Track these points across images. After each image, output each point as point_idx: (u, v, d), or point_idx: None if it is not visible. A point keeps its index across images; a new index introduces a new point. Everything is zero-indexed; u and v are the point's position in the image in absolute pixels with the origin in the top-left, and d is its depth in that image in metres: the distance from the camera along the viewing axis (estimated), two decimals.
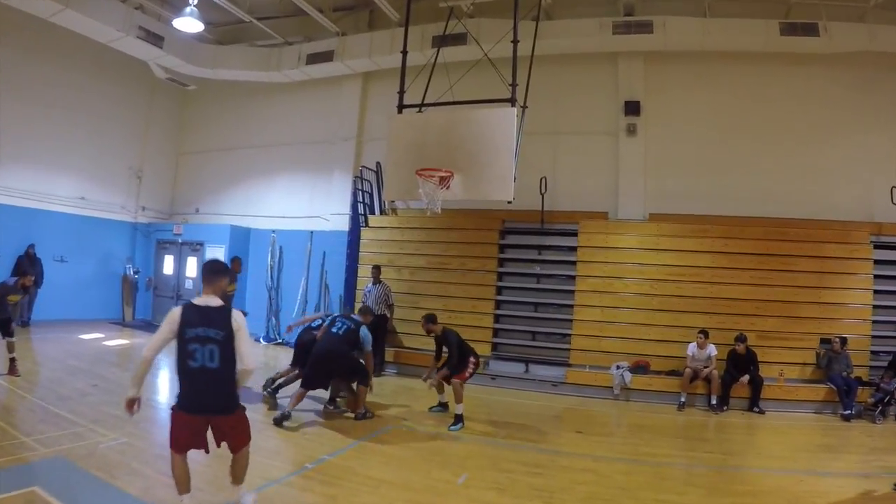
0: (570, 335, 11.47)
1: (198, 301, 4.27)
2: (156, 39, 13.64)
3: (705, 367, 9.97)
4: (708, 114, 12.51)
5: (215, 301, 4.27)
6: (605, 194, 12.71)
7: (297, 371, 8.33)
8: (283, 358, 11.75)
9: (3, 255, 13.34)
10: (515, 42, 8.56)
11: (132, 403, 4.22)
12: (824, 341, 10.21)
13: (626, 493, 5.64)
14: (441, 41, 10.14)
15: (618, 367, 10.57)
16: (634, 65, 12.86)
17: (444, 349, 8.25)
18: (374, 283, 11.85)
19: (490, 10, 12.36)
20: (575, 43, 12.49)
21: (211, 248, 15.30)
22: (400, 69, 9.43)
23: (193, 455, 4.26)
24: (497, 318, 12.13)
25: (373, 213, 14.08)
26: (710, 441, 8.29)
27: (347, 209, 14.29)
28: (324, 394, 8.34)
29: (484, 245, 12.41)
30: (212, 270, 4.48)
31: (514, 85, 8.34)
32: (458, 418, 7.80)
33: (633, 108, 12.66)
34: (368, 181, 14.19)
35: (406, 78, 9.27)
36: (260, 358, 12.23)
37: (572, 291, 11.66)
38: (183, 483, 4.18)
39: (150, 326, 15.08)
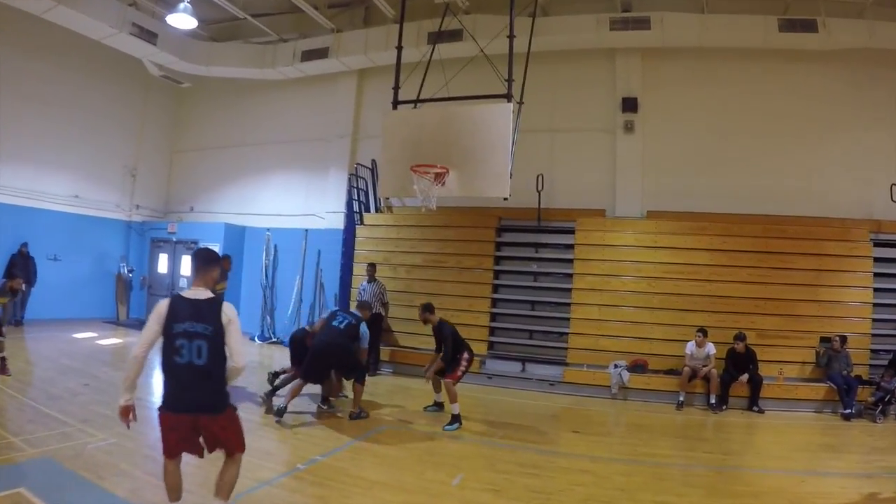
0: (567, 334, 11.40)
1: (187, 293, 4.00)
2: (149, 36, 13.54)
3: (704, 366, 9.91)
4: (706, 111, 12.44)
5: (205, 293, 4.00)
6: (602, 192, 12.63)
7: (297, 371, 8.24)
8: (278, 357, 11.68)
9: None
10: (511, 37, 8.46)
11: (127, 411, 3.88)
12: (824, 340, 10.15)
13: (624, 494, 5.55)
14: (437, 37, 10.02)
15: (616, 366, 10.48)
16: (632, 61, 12.77)
17: None
18: (369, 282, 11.76)
19: (486, 7, 12.27)
20: (572, 39, 12.39)
21: (206, 247, 15.12)
22: (395, 66, 9.35)
23: (185, 456, 4.06)
24: (494, 317, 12.05)
25: (368, 210, 14.00)
26: (710, 441, 8.21)
27: (343, 207, 14.23)
28: (318, 393, 8.25)
29: (480, 243, 12.33)
30: (203, 260, 4.17)
31: (510, 80, 8.23)
32: (455, 418, 7.70)
33: (630, 104, 12.57)
34: (364, 179, 14.10)
35: (401, 74, 9.18)
36: (253, 357, 12.16)
37: (569, 290, 11.58)
38: (174, 490, 3.99)
39: (144, 325, 14.94)
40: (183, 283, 15.66)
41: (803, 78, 12.09)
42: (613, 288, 11.33)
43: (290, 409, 7.45)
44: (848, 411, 9.28)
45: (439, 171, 8.08)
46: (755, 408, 9.62)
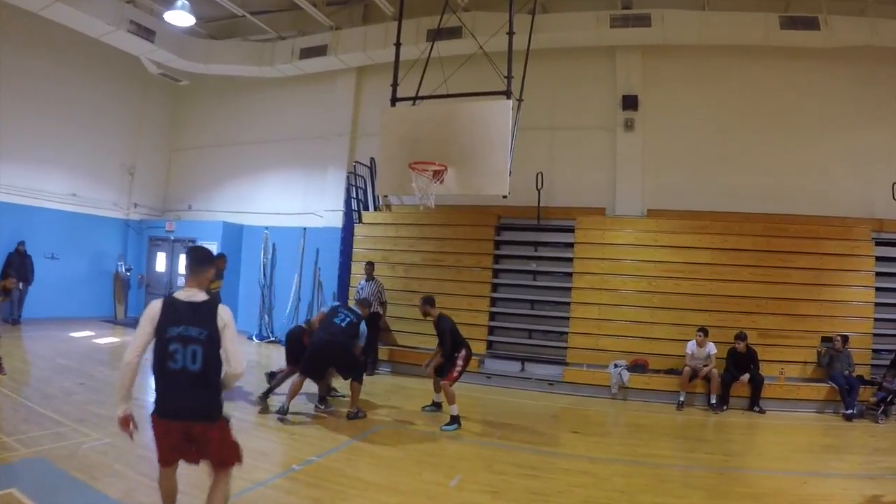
0: (566, 333, 11.33)
1: (180, 295, 3.77)
2: (147, 34, 13.47)
3: (705, 366, 9.84)
4: (707, 109, 12.36)
5: (199, 295, 3.78)
6: (602, 190, 12.55)
7: (292, 369, 8.17)
8: (276, 356, 11.61)
9: None
10: (511, 34, 8.38)
11: (127, 421, 3.67)
12: (825, 339, 10.08)
13: (624, 496, 5.49)
14: (436, 34, 9.96)
15: (615, 366, 10.42)
16: (632, 59, 12.69)
17: None
18: (367, 280, 11.69)
19: (485, 4, 12.24)
20: (571, 36, 12.31)
21: (204, 245, 15.05)
22: (394, 63, 9.29)
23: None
24: (493, 316, 11.99)
25: (367, 209, 13.92)
26: (710, 441, 8.15)
27: (341, 206, 14.18)
28: (315, 393, 8.19)
29: (479, 241, 12.26)
30: (197, 260, 3.94)
31: (509, 77, 8.16)
32: (453, 419, 7.64)
33: (630, 102, 12.50)
34: (362, 177, 14.03)
35: (400, 71, 9.11)
36: (251, 356, 12.12)
37: (569, 289, 11.52)
38: (169, 497, 3.88)
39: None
40: (180, 281, 15.56)
41: (804, 76, 12.02)
42: (613, 287, 11.26)
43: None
44: (850, 412, 9.21)
45: (438, 168, 8.02)
46: (756, 408, 9.56)
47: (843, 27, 11.16)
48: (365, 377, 8.27)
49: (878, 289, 10.48)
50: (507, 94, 8.10)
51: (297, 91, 15.74)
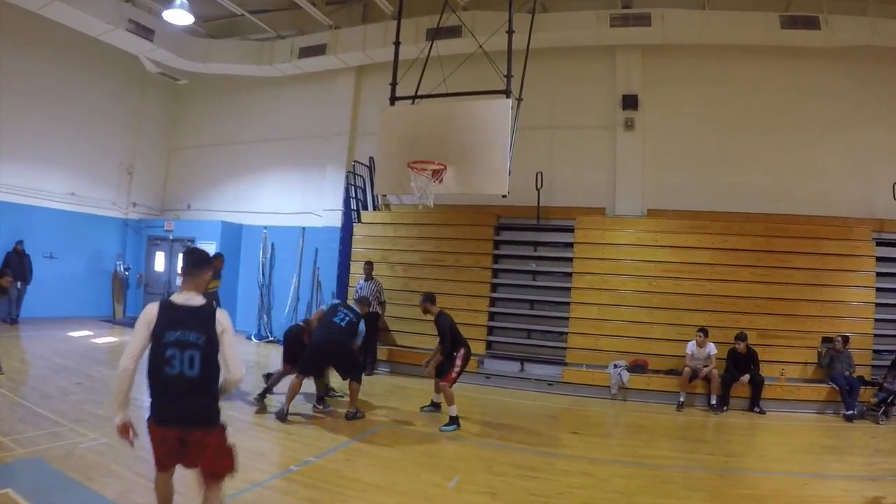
0: (566, 333, 11.28)
1: (176, 299, 3.69)
2: (146, 32, 13.45)
3: (705, 366, 9.80)
4: (707, 108, 12.33)
5: (197, 299, 3.69)
6: (602, 190, 12.52)
7: (288, 369, 8.13)
8: (275, 356, 11.56)
9: None
10: (510, 32, 8.34)
11: (126, 429, 3.58)
12: (826, 340, 10.04)
13: (624, 497, 5.45)
14: (435, 34, 9.94)
15: (615, 366, 10.38)
16: (632, 58, 12.67)
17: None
18: (366, 280, 11.65)
19: (485, 3, 12.21)
20: (571, 36, 12.28)
21: (202, 245, 15.04)
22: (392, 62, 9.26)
23: None
24: (492, 316, 11.94)
25: (366, 208, 13.90)
26: (711, 442, 8.11)
27: (340, 205, 14.15)
28: (313, 393, 8.15)
29: (479, 241, 12.22)
30: (193, 262, 3.83)
31: (508, 76, 8.12)
32: (452, 419, 7.60)
33: (630, 102, 12.47)
34: (361, 176, 14.00)
35: (399, 71, 9.08)
36: (250, 356, 12.10)
37: (569, 289, 11.47)
38: (165, 500, 3.83)
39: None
40: (179, 281, 15.56)
41: (805, 75, 12.00)
42: (613, 287, 11.22)
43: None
44: (850, 412, 9.17)
45: (437, 167, 7.98)
46: (756, 409, 9.52)
47: (844, 27, 11.14)
48: (364, 377, 8.23)
49: (878, 289, 10.45)
50: (507, 92, 8.06)
51: (296, 90, 15.71)
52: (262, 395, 7.86)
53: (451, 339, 7.85)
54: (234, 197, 16.47)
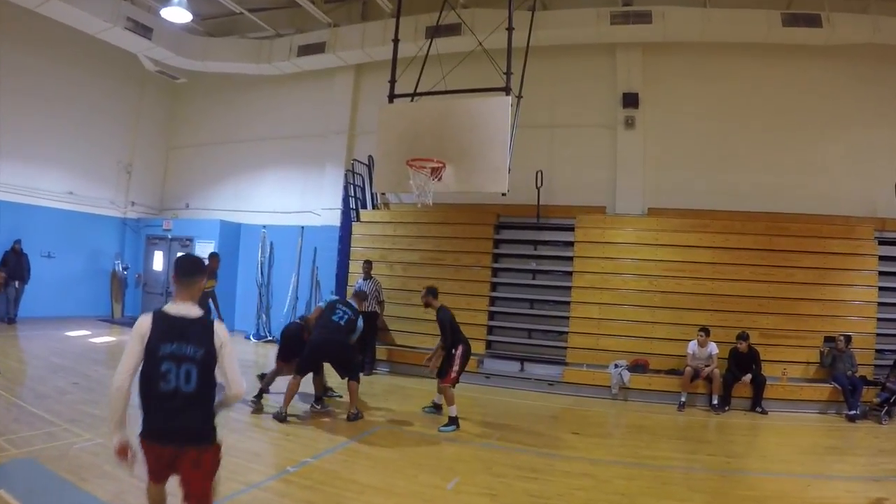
0: (566, 333, 11.22)
1: (171, 310, 3.43)
2: (144, 31, 13.41)
3: (706, 366, 9.73)
4: (708, 106, 12.27)
5: (193, 310, 3.44)
6: (602, 188, 12.46)
7: (281, 366, 8.06)
8: (273, 356, 11.45)
9: None
10: (510, 29, 8.29)
11: (124, 451, 3.32)
12: (828, 339, 9.97)
13: (626, 499, 5.39)
14: (435, 31, 9.88)
15: (616, 366, 10.32)
16: (633, 56, 12.61)
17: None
18: (364, 279, 11.59)
19: (485, 0, 12.12)
20: (572, 33, 12.23)
21: (201, 244, 15.03)
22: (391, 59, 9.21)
23: None
24: (492, 315, 11.88)
25: (364, 207, 13.83)
26: (713, 443, 8.03)
27: (339, 204, 14.07)
28: (310, 393, 8.10)
29: (478, 240, 12.15)
30: (187, 271, 3.56)
31: (508, 73, 8.07)
32: (452, 420, 7.54)
33: (631, 100, 12.42)
34: (360, 175, 13.95)
35: (398, 68, 9.04)
36: (249, 356, 12.09)
37: (569, 288, 11.41)
38: None
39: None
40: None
41: (806, 73, 11.95)
42: (614, 286, 11.16)
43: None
44: (853, 412, 9.11)
45: (436, 165, 7.92)
46: (758, 409, 9.46)
47: (846, 24, 11.10)
48: (362, 377, 8.18)
49: (881, 288, 10.38)
50: (507, 90, 8.01)
51: (294, 89, 15.68)
52: (259, 396, 7.80)
53: (451, 335, 7.76)
54: (232, 196, 16.42)
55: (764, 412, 9.38)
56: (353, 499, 4.99)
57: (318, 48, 14.03)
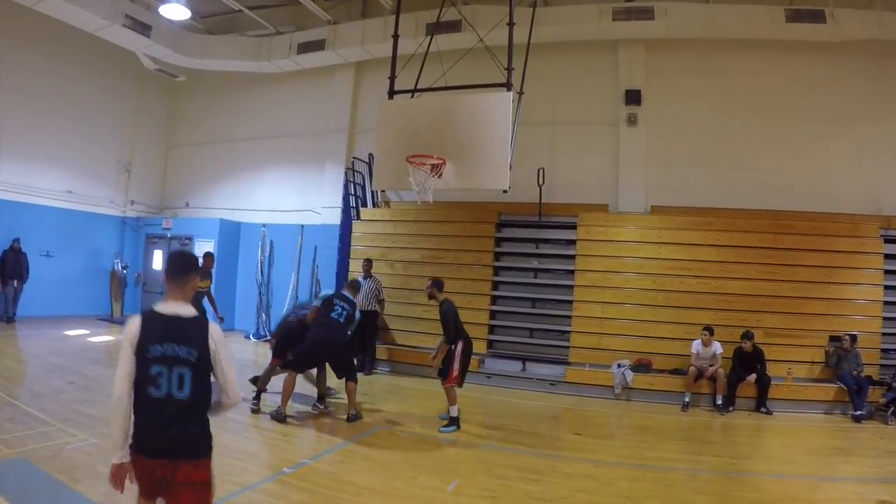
0: (569, 332, 11.11)
1: (162, 308, 3.12)
2: (143, 28, 13.35)
3: (710, 366, 9.64)
4: (711, 103, 12.19)
5: (186, 310, 3.14)
6: (605, 186, 12.40)
7: (276, 363, 7.96)
8: None
9: None
10: (511, 24, 8.22)
11: (122, 472, 3.01)
12: (833, 339, 9.86)
13: (629, 501, 5.29)
14: (435, 28, 9.80)
15: (619, 366, 10.21)
16: (635, 53, 12.54)
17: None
18: (364, 278, 11.48)
19: None
20: (573, 30, 12.18)
21: (200, 243, 14.97)
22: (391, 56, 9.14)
23: None
24: (493, 315, 11.78)
25: (365, 205, 13.76)
26: (717, 444, 7.92)
27: (339, 202, 13.99)
28: (311, 393, 7.99)
29: (479, 238, 12.06)
30: (178, 268, 3.26)
31: (509, 69, 7.98)
32: (452, 420, 7.44)
33: (633, 97, 12.35)
34: (360, 173, 13.87)
35: (398, 65, 8.98)
36: (248, 355, 12.03)
37: (571, 287, 11.30)
38: None
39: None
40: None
41: (810, 70, 11.87)
42: (616, 285, 11.05)
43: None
44: (858, 413, 9.00)
45: (436, 162, 7.85)
46: (763, 409, 9.35)
47: (850, 20, 11.05)
48: (362, 377, 8.08)
49: (886, 287, 10.26)
50: (508, 85, 7.93)
51: (294, 87, 15.65)
52: (257, 397, 7.69)
53: (454, 330, 7.60)
54: (232, 194, 16.38)
55: (769, 412, 9.27)
56: (349, 501, 4.90)
57: (317, 45, 13.96)
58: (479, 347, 10.74)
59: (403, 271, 12.27)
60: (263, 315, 14.49)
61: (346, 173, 13.87)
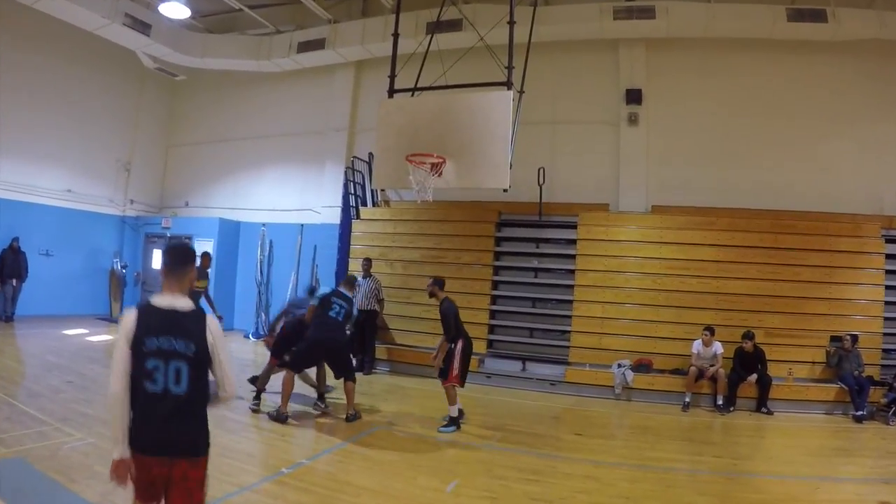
0: (569, 332, 11.07)
1: (158, 301, 3.04)
2: (143, 27, 13.33)
3: (711, 366, 9.61)
4: (712, 103, 12.17)
5: (183, 302, 3.06)
6: (605, 185, 12.39)
7: (275, 363, 7.93)
8: None
9: None
10: (511, 23, 8.19)
11: (124, 468, 2.90)
12: (835, 339, 9.81)
13: (630, 502, 5.26)
14: (435, 27, 9.77)
15: (619, 366, 10.18)
16: (636, 52, 12.52)
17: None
18: (364, 277, 11.45)
19: None
20: (574, 29, 12.15)
21: (200, 242, 14.93)
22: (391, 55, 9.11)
23: None
24: (493, 314, 11.73)
25: (364, 205, 13.73)
26: (718, 444, 7.88)
27: (339, 202, 13.95)
28: (309, 393, 7.96)
29: (479, 238, 12.02)
30: (176, 259, 3.19)
31: (510, 67, 7.96)
32: (452, 420, 7.40)
33: (634, 96, 12.33)
34: (360, 172, 13.84)
35: (398, 64, 8.95)
36: (248, 355, 12.02)
37: (572, 286, 11.26)
38: None
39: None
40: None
41: (812, 69, 11.85)
42: (617, 285, 11.01)
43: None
44: (860, 413, 8.96)
45: (436, 160, 7.82)
46: (764, 409, 9.31)
47: (852, 20, 11.03)
48: (361, 376, 8.05)
49: (888, 287, 10.22)
50: (508, 84, 7.90)
51: (294, 86, 15.63)
52: (258, 397, 7.65)
53: (454, 328, 7.55)
54: (232, 194, 16.37)
55: (769, 413, 9.24)
56: (348, 501, 4.86)
57: (318, 44, 13.94)
58: (479, 347, 10.70)
59: (403, 271, 12.23)
60: (263, 314, 14.46)
61: (345, 172, 13.83)
